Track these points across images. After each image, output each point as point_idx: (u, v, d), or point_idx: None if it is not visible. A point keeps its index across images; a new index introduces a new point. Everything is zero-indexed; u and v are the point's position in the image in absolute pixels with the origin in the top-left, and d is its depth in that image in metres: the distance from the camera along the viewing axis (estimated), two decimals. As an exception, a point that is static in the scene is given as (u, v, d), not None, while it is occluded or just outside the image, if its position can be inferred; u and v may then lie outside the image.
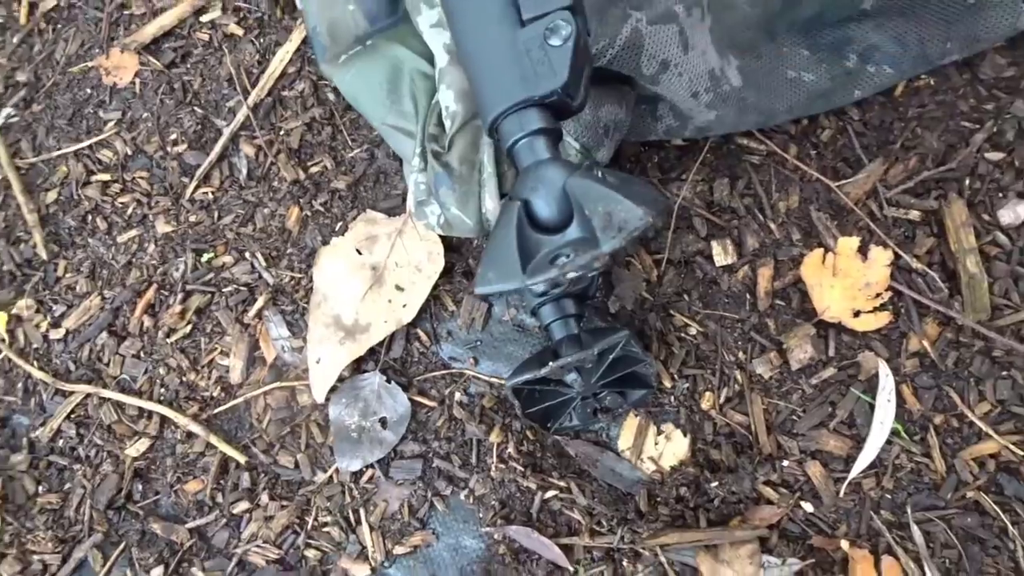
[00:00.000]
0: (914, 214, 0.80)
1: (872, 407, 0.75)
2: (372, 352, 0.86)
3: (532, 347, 0.85)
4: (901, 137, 0.82)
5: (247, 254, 0.94)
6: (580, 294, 0.77)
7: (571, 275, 0.51)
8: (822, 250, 0.79)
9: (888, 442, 0.74)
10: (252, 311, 0.91)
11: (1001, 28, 0.74)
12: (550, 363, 0.70)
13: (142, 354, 0.93)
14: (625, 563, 0.76)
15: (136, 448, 0.90)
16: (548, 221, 0.54)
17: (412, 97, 0.77)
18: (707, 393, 0.79)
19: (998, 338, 0.74)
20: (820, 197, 0.82)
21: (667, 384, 0.80)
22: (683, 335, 0.81)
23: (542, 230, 0.54)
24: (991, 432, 0.73)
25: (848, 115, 0.84)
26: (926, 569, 0.71)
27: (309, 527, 0.84)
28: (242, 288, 0.93)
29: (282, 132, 0.97)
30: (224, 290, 0.93)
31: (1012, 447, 0.72)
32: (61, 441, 0.93)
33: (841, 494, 0.74)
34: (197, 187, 0.98)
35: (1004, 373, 0.74)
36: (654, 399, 0.80)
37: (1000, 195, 0.78)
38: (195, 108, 1.00)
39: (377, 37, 0.82)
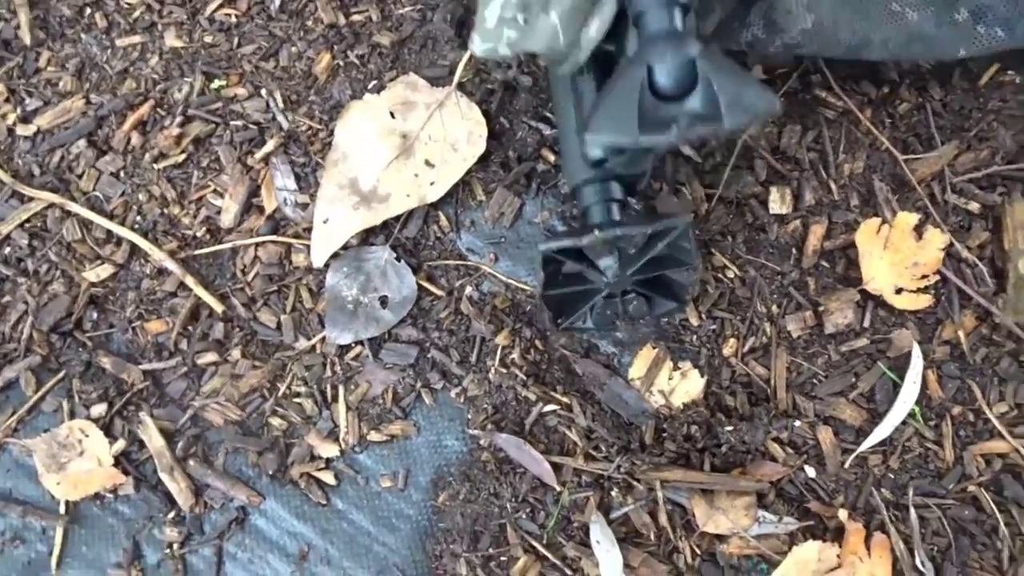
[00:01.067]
0: (974, 206, 0.77)
1: (895, 385, 0.73)
2: (384, 225, 0.79)
3: (558, 256, 0.79)
4: (977, 127, 0.80)
5: (263, 91, 0.85)
6: (629, 183, 0.71)
7: (683, 140, 0.52)
8: (879, 220, 0.76)
9: (903, 423, 0.72)
10: (259, 154, 0.82)
11: None
12: (595, 231, 0.64)
13: (122, 174, 0.83)
14: (615, 492, 0.72)
15: (96, 273, 0.80)
16: (667, 89, 0.52)
17: None
18: (732, 339, 0.75)
19: (1031, 344, 0.73)
20: (885, 167, 0.79)
21: (693, 322, 0.76)
22: (720, 276, 0.77)
23: (658, 97, 0.52)
24: (1005, 432, 0.72)
25: (929, 92, 0.81)
26: (916, 552, 0.70)
27: (280, 394, 0.77)
28: (251, 126, 0.83)
29: (328, -31, 0.88)
30: (231, 124, 0.84)
31: (1022, 451, 0.71)
32: (8, 249, 0.82)
33: (846, 465, 0.72)
34: (220, 6, 0.87)
35: (1028, 379, 0.73)
36: (675, 333, 0.76)
37: (1060, 205, 0.77)
38: (234, -81, 0.90)
39: None
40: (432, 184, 0.79)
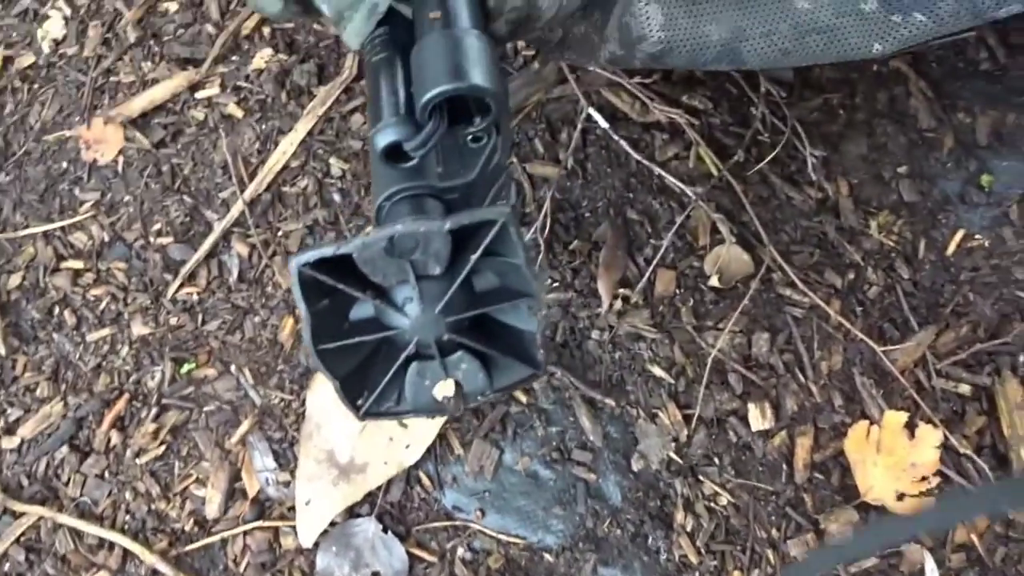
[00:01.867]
0: (964, 388, 0.75)
1: (916, 606, 0.70)
2: (368, 492, 0.78)
3: (547, 502, 0.77)
4: (952, 301, 0.77)
5: (233, 367, 0.85)
6: (452, 199, 0.50)
7: None
8: (867, 423, 0.73)
9: (931, 645, 0.69)
10: (235, 435, 0.82)
11: None
12: (364, 232, 0.48)
13: (107, 474, 0.84)
14: None
15: (93, 583, 0.80)
16: None
17: None
18: (736, 573, 0.72)
19: (1051, 537, 0.69)
20: (864, 359, 0.77)
21: (693, 559, 0.73)
22: (712, 504, 0.74)
23: None
24: (1041, 643, 0.68)
25: (897, 272, 0.79)
26: None
27: None
28: (225, 407, 0.84)
29: (280, 233, 0.89)
30: (204, 408, 0.84)
31: (1064, 662, 0.67)
32: (8, 566, 0.83)
33: None
34: (181, 286, 0.89)
35: (1056, 576, 0.69)
36: (676, 573, 0.73)
37: (1055, 375, 0.74)
38: (184, 196, 0.91)
39: None
40: (408, 447, 0.79)
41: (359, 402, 0.53)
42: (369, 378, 0.52)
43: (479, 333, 0.52)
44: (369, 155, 0.60)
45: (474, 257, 0.46)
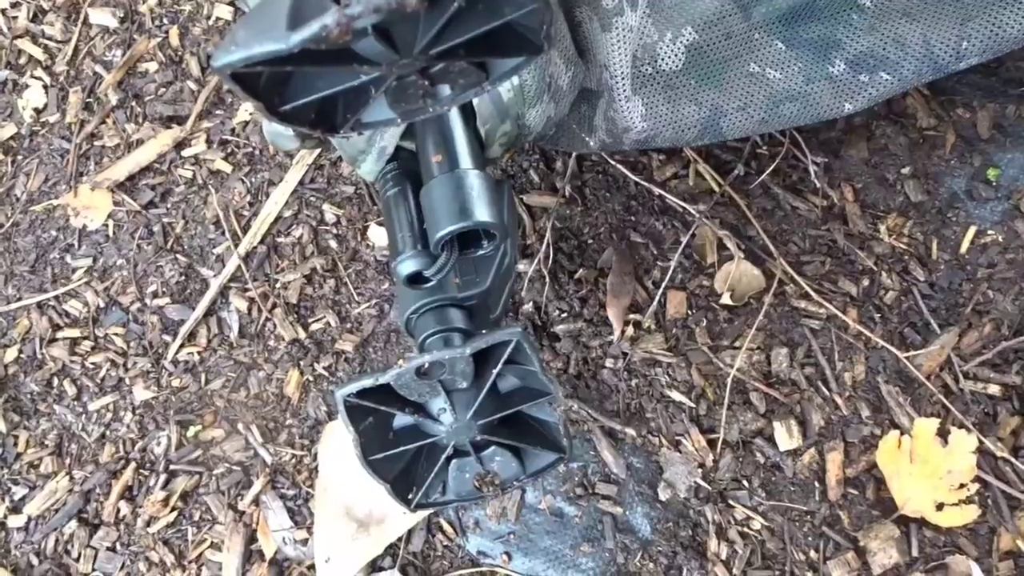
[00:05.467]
0: (994, 389, 0.72)
1: (968, 621, 0.67)
2: (390, 543, 0.76)
3: (574, 540, 0.75)
4: (971, 300, 0.75)
5: (240, 426, 0.83)
6: (472, 305, 0.59)
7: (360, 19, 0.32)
8: (897, 433, 0.71)
9: (987, 661, 0.66)
10: (248, 496, 0.80)
11: None
12: (398, 363, 0.53)
13: (118, 546, 0.81)
14: None
15: (111, 664, 0.77)
16: None
17: None
18: (778, 600, 0.70)
19: (1100, 537, 0.67)
20: (888, 367, 0.75)
21: (732, 589, 0.71)
22: (746, 529, 0.72)
23: None
24: (1102, 649, 0.65)
25: (912, 275, 0.77)
26: None
27: None
28: (235, 468, 0.81)
29: (278, 284, 0.87)
30: (214, 471, 0.81)
31: None
32: (22, 653, 0.80)
33: None
34: (181, 346, 0.86)
35: (1109, 577, 0.67)
36: (716, 605, 0.71)
37: (1085, 367, 0.72)
38: (178, 255, 0.90)
39: None
40: (427, 494, 0.76)
41: (409, 496, 0.62)
42: (415, 476, 0.62)
43: (509, 426, 0.60)
44: (390, 272, 0.67)
45: (495, 371, 0.55)
